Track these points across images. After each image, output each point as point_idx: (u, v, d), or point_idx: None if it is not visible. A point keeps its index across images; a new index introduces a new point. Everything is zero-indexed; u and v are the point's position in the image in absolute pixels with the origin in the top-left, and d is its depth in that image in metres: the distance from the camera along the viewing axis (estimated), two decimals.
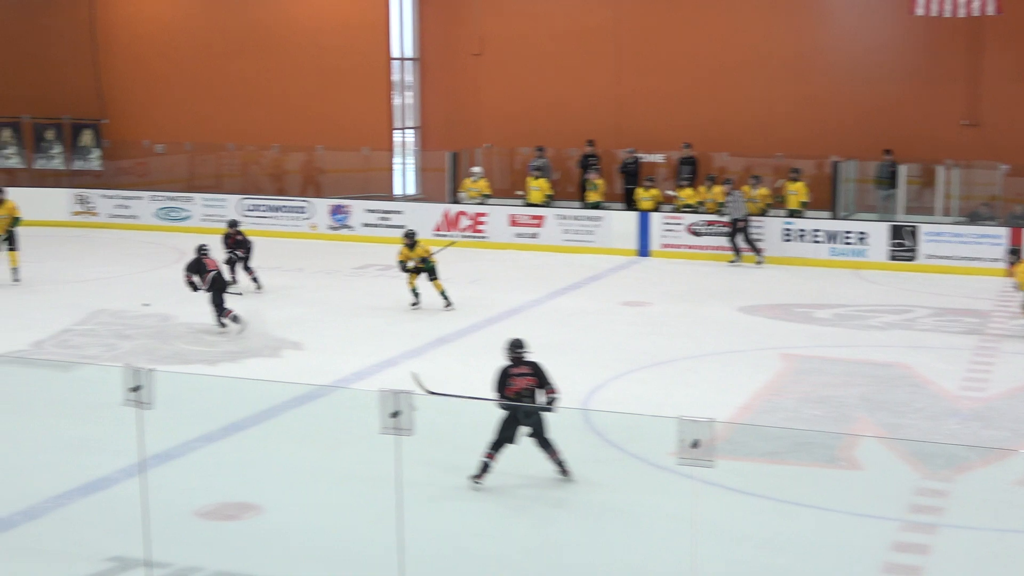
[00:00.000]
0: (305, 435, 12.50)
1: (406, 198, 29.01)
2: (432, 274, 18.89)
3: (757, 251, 23.50)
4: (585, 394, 13.76)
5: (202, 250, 17.56)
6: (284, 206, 27.56)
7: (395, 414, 7.94)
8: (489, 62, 29.01)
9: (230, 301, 17.35)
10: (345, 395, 13.58)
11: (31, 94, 30.81)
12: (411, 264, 18.81)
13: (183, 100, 30.54)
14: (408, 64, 30.29)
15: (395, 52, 29.86)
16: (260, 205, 27.70)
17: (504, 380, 10.71)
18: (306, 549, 9.59)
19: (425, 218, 26.06)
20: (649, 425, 11.58)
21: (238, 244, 20.40)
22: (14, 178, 30.48)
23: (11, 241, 21.43)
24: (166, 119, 30.57)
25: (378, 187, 29.03)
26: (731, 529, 9.78)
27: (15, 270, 21.26)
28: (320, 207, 27.30)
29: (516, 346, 10.82)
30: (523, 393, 10.64)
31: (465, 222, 25.99)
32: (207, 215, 27.82)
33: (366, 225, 26.70)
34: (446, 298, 18.89)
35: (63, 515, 10.38)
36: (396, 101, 30.12)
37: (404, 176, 30.13)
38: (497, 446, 10.53)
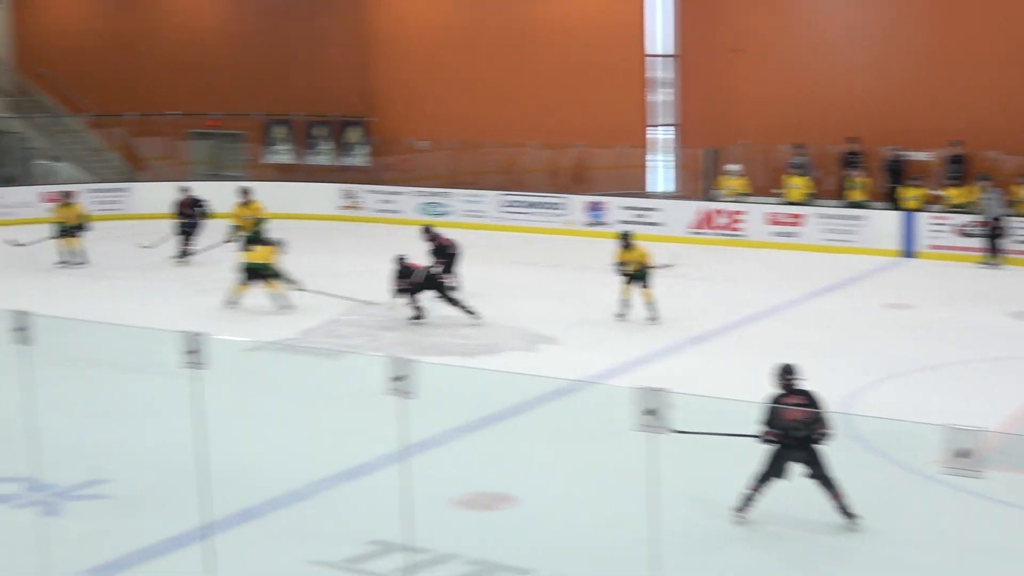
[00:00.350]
0: (560, 429, 12.61)
1: (662, 195, 28.87)
2: (644, 281, 17.86)
3: (997, 252, 22.39)
4: (845, 398, 13.38)
5: (402, 260, 17.91)
6: (541, 202, 27.88)
7: (650, 412, 7.90)
8: (748, 58, 28.53)
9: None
10: (599, 391, 13.62)
11: (304, 93, 32.13)
12: (630, 267, 17.90)
13: (445, 98, 31.22)
14: (663, 61, 30.12)
15: (651, 49, 29.73)
16: (518, 201, 28.11)
17: (773, 411, 9.70)
18: (558, 541, 9.68)
19: (680, 216, 25.91)
20: (913, 432, 11.15)
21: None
22: (286, 173, 31.90)
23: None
24: (429, 117, 31.30)
25: (633, 184, 29.00)
26: (1003, 546, 9.34)
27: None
28: (576, 204, 27.48)
29: (787, 372, 9.82)
30: (795, 426, 9.62)
31: (722, 220, 25.70)
32: (467, 211, 28.42)
33: (622, 222, 26.69)
34: (653, 310, 17.72)
35: (328, 498, 10.79)
36: (652, 98, 29.99)
37: (659, 173, 29.99)
38: (763, 479, 9.67)
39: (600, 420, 12.35)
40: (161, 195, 30.17)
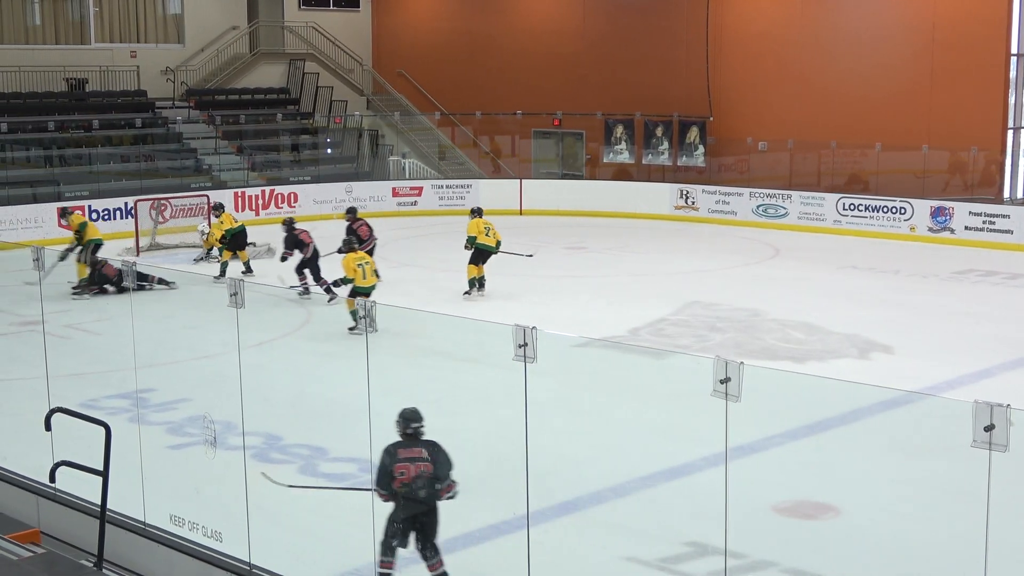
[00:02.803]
0: (890, 441, 12.13)
1: (1016, 202, 27.29)
2: None
3: None
4: None
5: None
6: (883, 206, 26.94)
7: (989, 428, 7.48)
8: None
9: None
10: (935, 403, 13.02)
11: (645, 93, 32.30)
12: None
13: (787, 98, 30.64)
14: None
15: (1016, 48, 28.09)
16: (858, 204, 27.27)
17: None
18: (881, 557, 9.31)
19: None
20: None
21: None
22: (624, 172, 32.20)
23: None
24: (770, 116, 30.83)
25: (984, 189, 27.54)
26: None
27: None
28: (920, 208, 26.39)
29: (411, 419, 8.23)
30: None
31: None
32: (804, 213, 27.82)
33: (969, 228, 25.45)
34: None
35: (648, 496, 10.80)
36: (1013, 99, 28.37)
37: (1015, 177, 28.33)
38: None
39: (934, 434, 11.80)
40: (503, 192, 31.18)
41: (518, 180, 32.06)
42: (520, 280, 21.28)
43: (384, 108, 37.11)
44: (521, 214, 30.89)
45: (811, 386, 13.76)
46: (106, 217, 26.99)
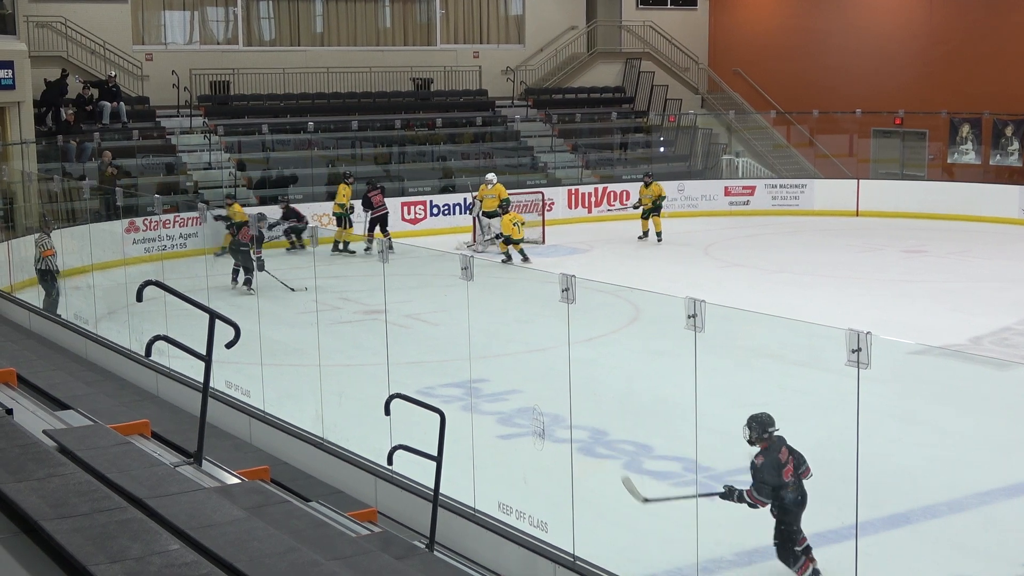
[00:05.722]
0: None
1: None
2: None
3: None
4: None
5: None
6: None
7: None
8: None
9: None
10: None
11: (994, 90, 30.65)
12: None
13: None
14: None
15: None
16: None
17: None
18: None
19: None
20: None
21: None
22: (970, 174, 30.70)
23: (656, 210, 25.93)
24: None
25: None
26: None
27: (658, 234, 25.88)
28: None
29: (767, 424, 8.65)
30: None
31: None
32: None
33: None
34: None
35: (986, 513, 10.29)
36: None
37: None
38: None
39: None
40: (839, 193, 30.39)
41: (855, 180, 31.14)
42: (854, 284, 20.70)
43: (719, 107, 36.87)
44: (857, 215, 30.01)
45: None
46: (446, 212, 28.06)
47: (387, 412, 9.00)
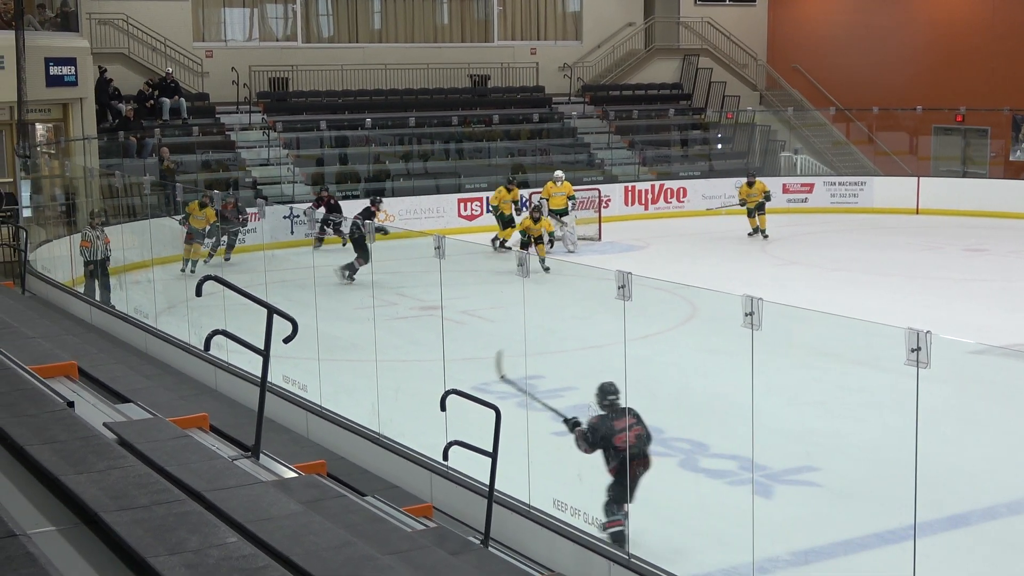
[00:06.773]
0: None
1: None
2: None
3: None
4: None
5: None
6: None
7: None
8: None
9: None
10: None
11: None
12: None
13: None
14: None
15: None
16: None
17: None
18: None
19: None
20: None
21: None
22: None
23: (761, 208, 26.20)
24: None
25: None
26: None
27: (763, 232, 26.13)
28: None
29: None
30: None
31: None
32: None
33: None
34: None
35: None
36: None
37: None
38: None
39: None
40: (899, 190, 30.10)
41: (916, 178, 30.79)
42: (913, 282, 20.50)
43: (777, 103, 36.61)
44: (918, 213, 29.70)
45: None
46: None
47: (443, 408, 9.03)
